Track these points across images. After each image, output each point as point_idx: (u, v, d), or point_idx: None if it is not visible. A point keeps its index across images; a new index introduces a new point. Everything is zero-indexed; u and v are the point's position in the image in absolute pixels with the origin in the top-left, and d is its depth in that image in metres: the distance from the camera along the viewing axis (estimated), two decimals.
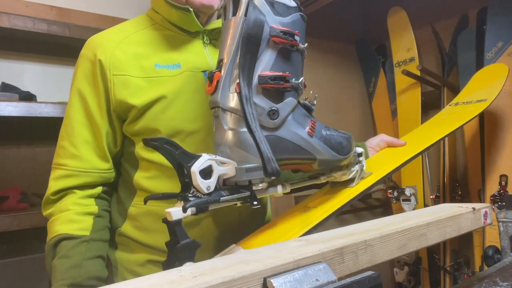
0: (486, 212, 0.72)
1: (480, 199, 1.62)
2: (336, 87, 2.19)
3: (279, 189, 0.70)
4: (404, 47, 1.98)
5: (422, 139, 1.00)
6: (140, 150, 0.82)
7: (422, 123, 1.89)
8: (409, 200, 1.78)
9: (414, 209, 1.78)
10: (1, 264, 1.30)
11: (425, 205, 1.83)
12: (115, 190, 0.90)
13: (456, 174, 1.88)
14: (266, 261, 0.35)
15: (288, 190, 0.71)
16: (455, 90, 1.87)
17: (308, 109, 0.71)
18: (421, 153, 0.94)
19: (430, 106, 1.97)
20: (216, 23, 0.88)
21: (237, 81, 0.63)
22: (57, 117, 1.29)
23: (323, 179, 0.78)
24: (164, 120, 0.80)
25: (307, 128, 0.69)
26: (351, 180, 0.81)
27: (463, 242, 1.87)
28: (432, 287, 1.88)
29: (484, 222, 0.72)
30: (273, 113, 0.65)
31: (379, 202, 2.18)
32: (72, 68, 0.86)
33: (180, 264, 0.54)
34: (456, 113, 1.22)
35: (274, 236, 0.74)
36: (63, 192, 0.81)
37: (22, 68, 1.57)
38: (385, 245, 0.52)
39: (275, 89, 0.64)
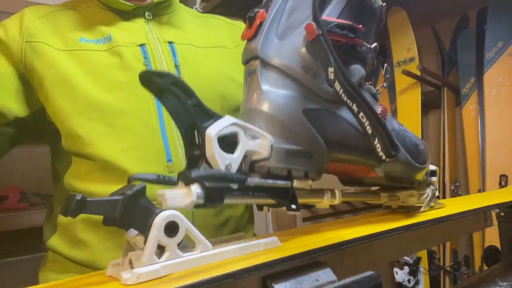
0: (487, 214, 0.72)
1: None
2: None
3: (327, 196, 0.48)
4: (404, 47, 1.98)
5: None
6: (64, 139, 0.69)
7: (422, 123, 1.89)
8: None
9: None
10: (1, 264, 1.30)
11: None
12: None
13: (456, 174, 1.88)
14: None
15: (337, 200, 0.49)
16: (455, 90, 1.87)
17: (374, 96, 0.51)
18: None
19: (430, 106, 1.97)
20: None
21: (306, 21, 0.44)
22: None
23: (383, 198, 0.57)
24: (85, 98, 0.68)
25: None
26: (418, 207, 0.61)
27: (463, 242, 1.87)
28: (432, 287, 1.88)
29: (484, 224, 0.72)
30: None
31: None
32: None
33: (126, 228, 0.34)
34: None
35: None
36: None
37: None
38: (385, 246, 0.52)
39: (340, 46, 0.45)
